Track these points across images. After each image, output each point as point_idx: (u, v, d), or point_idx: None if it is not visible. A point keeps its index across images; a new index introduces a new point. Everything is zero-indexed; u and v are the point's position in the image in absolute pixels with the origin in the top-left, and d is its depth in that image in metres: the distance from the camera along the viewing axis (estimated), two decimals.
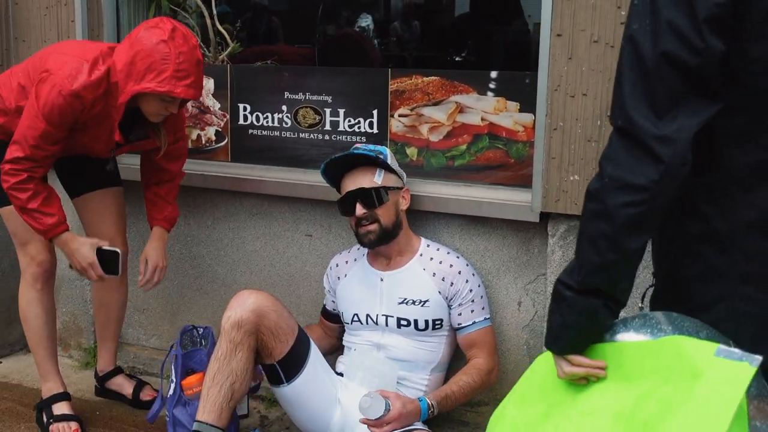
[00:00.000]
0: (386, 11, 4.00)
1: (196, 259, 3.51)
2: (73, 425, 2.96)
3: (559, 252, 2.73)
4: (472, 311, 2.77)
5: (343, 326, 2.99)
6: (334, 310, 3.02)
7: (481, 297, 2.80)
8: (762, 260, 1.38)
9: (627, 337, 1.52)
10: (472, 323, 2.77)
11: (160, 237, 3.06)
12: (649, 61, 1.33)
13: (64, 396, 3.04)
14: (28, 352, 3.70)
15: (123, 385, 3.28)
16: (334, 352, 2.99)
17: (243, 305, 2.58)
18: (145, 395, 3.24)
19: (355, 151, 2.77)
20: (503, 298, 2.95)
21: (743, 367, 1.33)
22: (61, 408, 3.00)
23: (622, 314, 1.55)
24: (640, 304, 1.65)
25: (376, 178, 2.73)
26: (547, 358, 1.69)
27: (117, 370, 3.31)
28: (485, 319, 2.79)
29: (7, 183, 2.68)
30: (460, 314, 2.77)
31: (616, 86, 1.40)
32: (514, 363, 2.98)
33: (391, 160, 2.82)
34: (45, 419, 3.00)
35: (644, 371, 1.47)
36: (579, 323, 1.51)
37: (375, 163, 2.75)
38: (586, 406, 1.55)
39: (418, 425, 2.63)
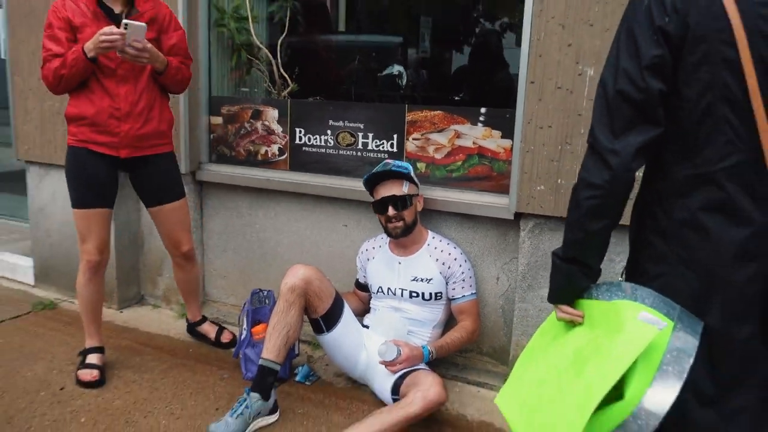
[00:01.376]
0: (404, 62, 4.00)
1: (263, 242, 3.51)
2: (95, 372, 2.78)
3: (528, 242, 2.71)
4: (463, 287, 2.75)
5: (370, 295, 2.99)
6: (364, 282, 3.02)
7: (470, 277, 2.78)
8: (691, 249, 1.38)
9: (594, 296, 1.54)
10: (462, 296, 2.76)
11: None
12: (610, 96, 1.36)
13: (98, 349, 2.90)
14: (142, 305, 3.78)
15: (208, 330, 3.25)
16: (364, 314, 2.98)
17: (296, 275, 2.59)
18: (225, 338, 3.22)
19: (391, 168, 2.73)
20: (485, 274, 2.94)
21: (650, 329, 1.36)
22: (92, 358, 2.85)
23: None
24: (620, 278, 1.66)
25: (404, 188, 2.72)
26: None
27: (203, 319, 3.29)
28: (472, 294, 2.77)
29: (46, 79, 2.55)
30: (454, 289, 2.76)
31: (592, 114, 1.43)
32: (493, 321, 2.97)
33: (412, 173, 2.81)
34: (79, 364, 2.87)
35: (599, 323, 1.49)
36: (562, 282, 1.54)
37: (403, 176, 2.73)
38: (564, 341, 1.58)
39: (422, 366, 2.63)
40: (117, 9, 2.62)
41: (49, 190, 3.76)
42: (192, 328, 3.29)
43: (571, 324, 1.59)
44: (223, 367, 2.99)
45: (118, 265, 3.62)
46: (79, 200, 2.69)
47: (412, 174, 2.78)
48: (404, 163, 2.83)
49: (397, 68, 3.86)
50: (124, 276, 3.69)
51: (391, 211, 2.71)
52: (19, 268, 3.99)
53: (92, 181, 2.68)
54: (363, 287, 3.04)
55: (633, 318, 1.39)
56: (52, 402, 2.62)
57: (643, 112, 1.34)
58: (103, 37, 2.41)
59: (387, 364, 2.51)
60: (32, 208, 3.86)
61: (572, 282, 1.53)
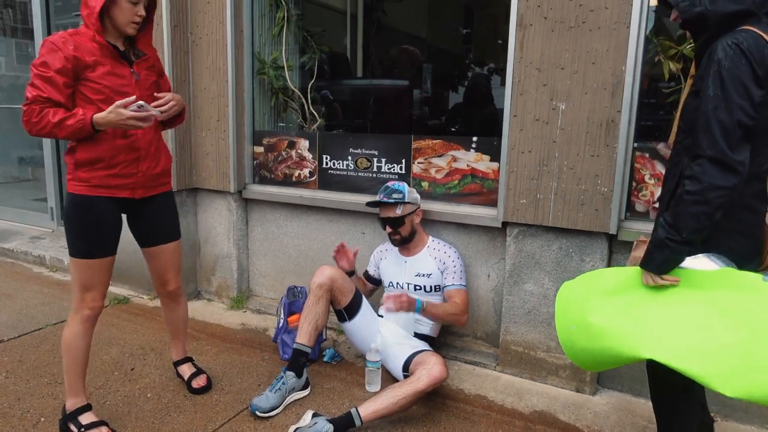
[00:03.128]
0: (410, 99, 3.99)
1: (296, 247, 3.51)
2: (104, 429, 2.15)
3: (513, 245, 2.68)
4: (453, 277, 2.69)
5: (374, 287, 2.95)
6: (373, 275, 2.96)
7: (461, 271, 2.72)
8: (744, 222, 1.58)
9: (690, 265, 1.59)
10: (452, 284, 2.69)
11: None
12: (728, 124, 1.45)
13: (87, 407, 2.19)
14: (198, 299, 3.77)
15: (185, 371, 2.58)
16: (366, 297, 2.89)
17: (323, 274, 2.58)
18: (196, 383, 2.51)
19: (383, 200, 2.67)
20: (478, 272, 2.91)
21: None
22: (88, 417, 2.16)
23: None
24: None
25: (398, 210, 2.68)
26: (599, 274, 1.73)
27: (186, 360, 2.61)
28: (460, 284, 2.69)
29: (27, 122, 1.90)
30: (445, 278, 2.71)
31: (704, 136, 1.48)
32: (485, 312, 2.93)
33: (407, 195, 2.71)
34: (75, 429, 2.14)
35: (708, 285, 1.54)
36: (674, 258, 1.56)
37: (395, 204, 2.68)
38: (671, 298, 1.58)
39: (427, 348, 2.60)
40: (121, 47, 2.07)
41: None
42: (175, 366, 2.62)
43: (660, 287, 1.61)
44: (264, 351, 2.97)
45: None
46: (87, 251, 2.05)
47: (406, 199, 2.69)
48: (400, 187, 2.73)
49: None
50: (185, 275, 3.68)
51: (388, 229, 2.69)
52: None
53: (103, 230, 2.06)
54: (369, 278, 2.98)
55: (759, 279, 1.47)
56: (124, 380, 2.62)
57: (749, 134, 1.46)
58: (133, 122, 1.91)
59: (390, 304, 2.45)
60: None
61: (680, 258, 1.57)
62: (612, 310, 1.63)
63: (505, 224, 2.71)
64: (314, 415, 2.25)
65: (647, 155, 2.43)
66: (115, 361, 2.80)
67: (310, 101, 3.48)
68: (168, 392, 2.51)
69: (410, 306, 2.48)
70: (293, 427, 2.19)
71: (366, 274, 3.05)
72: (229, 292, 3.68)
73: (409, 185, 2.93)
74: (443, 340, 3.04)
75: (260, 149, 3.54)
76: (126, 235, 2.23)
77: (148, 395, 2.49)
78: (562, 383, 2.64)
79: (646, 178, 2.45)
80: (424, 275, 2.73)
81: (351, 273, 2.86)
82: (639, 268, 1.64)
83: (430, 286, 2.73)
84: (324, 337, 3.01)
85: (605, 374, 2.66)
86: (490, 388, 2.64)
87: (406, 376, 2.47)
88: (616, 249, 2.53)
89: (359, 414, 2.19)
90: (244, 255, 3.68)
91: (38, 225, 5.10)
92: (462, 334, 3.01)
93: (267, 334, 3.19)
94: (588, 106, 2.40)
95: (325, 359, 2.87)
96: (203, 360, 2.83)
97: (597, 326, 1.61)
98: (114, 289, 3.87)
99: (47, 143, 4.88)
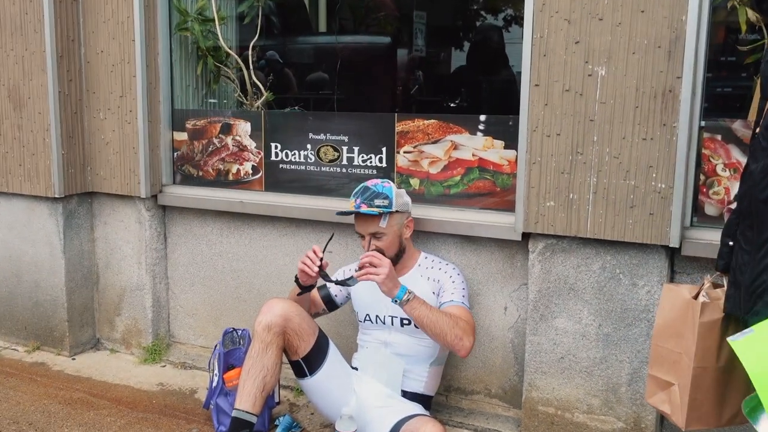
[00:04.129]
0: (393, 63, 4.03)
1: (236, 272, 3.52)
2: None
3: (538, 265, 2.72)
4: (452, 293, 2.68)
5: (324, 311, 2.95)
6: (335, 297, 2.93)
7: (463, 288, 2.72)
8: None
9: None
10: (450, 301, 2.67)
11: None
12: None
13: None
14: (98, 350, 3.77)
15: None
16: (312, 314, 2.87)
17: (272, 311, 2.60)
18: None
19: (362, 211, 2.64)
20: (491, 303, 2.94)
21: None
22: None
23: None
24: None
25: (382, 223, 2.65)
26: None
27: None
28: (461, 301, 2.67)
29: None
30: (442, 297, 2.70)
31: None
32: (502, 358, 2.97)
33: (395, 201, 2.69)
34: None
35: None
36: None
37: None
38: None
39: (421, 412, 2.62)
40: None
41: None
42: None
43: None
44: (192, 421, 2.98)
45: (69, 305, 3.62)
46: None
47: (393, 207, 2.67)
48: (385, 190, 2.70)
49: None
50: (77, 317, 3.68)
51: (367, 248, 2.66)
52: None
53: None
54: (328, 301, 2.93)
55: None
56: None
57: None
58: None
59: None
60: None
61: None
62: None
63: (526, 236, 2.75)
64: None
65: (719, 137, 2.48)
66: None
67: (251, 68, 3.50)
68: None
69: (387, 282, 2.45)
70: None
71: (324, 289, 2.94)
72: (141, 339, 3.68)
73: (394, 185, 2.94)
74: (443, 399, 3.06)
75: (183, 136, 3.55)
76: None
77: None
78: None
79: (719, 169, 2.50)
80: None
81: (310, 288, 2.79)
82: None
83: None
84: (276, 400, 3.02)
85: None
86: None
87: None
88: (679, 268, 2.58)
89: None
90: (162, 286, 3.68)
91: None
92: (470, 390, 3.03)
93: (196, 397, 3.20)
94: (636, 70, 2.45)
95: (277, 431, 2.88)
96: None
97: None
98: None
99: None
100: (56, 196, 3.49)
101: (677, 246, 2.48)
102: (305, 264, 2.60)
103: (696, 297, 1.99)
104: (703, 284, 2.02)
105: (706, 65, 2.44)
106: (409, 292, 2.51)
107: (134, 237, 3.60)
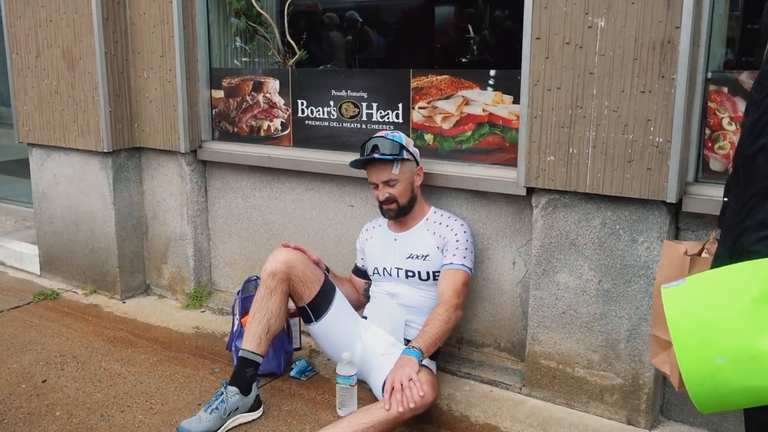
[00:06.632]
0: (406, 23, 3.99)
1: (268, 225, 3.66)
2: None
3: (541, 221, 2.71)
4: (454, 254, 2.75)
5: (368, 282, 3.07)
6: (362, 267, 3.10)
7: (466, 248, 2.77)
8: None
9: None
10: (449, 263, 2.74)
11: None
12: None
13: None
14: (148, 295, 4.03)
15: None
16: (361, 307, 3.04)
17: (276, 259, 2.72)
18: None
19: (375, 156, 2.74)
20: (501, 258, 2.96)
21: None
22: None
23: None
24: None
25: (394, 170, 2.76)
26: None
27: None
28: (461, 264, 2.74)
29: None
30: (444, 256, 2.77)
31: None
32: (510, 313, 2.99)
33: (406, 145, 2.82)
34: None
35: None
36: None
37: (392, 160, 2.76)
38: None
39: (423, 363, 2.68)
40: None
41: (50, 174, 4.07)
42: None
43: None
44: (216, 361, 3.16)
45: (119, 253, 3.87)
46: None
47: (405, 152, 2.77)
48: (397, 138, 2.81)
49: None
50: (127, 264, 3.94)
51: (381, 197, 2.78)
52: (25, 256, 4.35)
53: None
54: (361, 273, 3.12)
55: None
56: (31, 394, 2.87)
57: None
58: None
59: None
60: (36, 193, 4.18)
61: None
62: None
63: (530, 191, 2.74)
64: None
65: (725, 90, 2.38)
66: (25, 371, 3.07)
67: (287, 27, 3.57)
68: (81, 410, 2.74)
69: (411, 367, 2.43)
70: None
71: (355, 268, 3.16)
72: (185, 286, 3.90)
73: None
74: (455, 350, 3.12)
75: (220, 94, 3.69)
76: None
77: (57, 413, 2.72)
78: (608, 411, 2.67)
79: (725, 123, 2.40)
80: (418, 257, 2.82)
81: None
82: None
83: (427, 273, 2.81)
84: (298, 345, 3.15)
85: (671, 401, 2.66)
86: (506, 416, 2.71)
87: None
88: (684, 225, 2.51)
89: None
90: (204, 237, 3.88)
91: None
92: (481, 343, 3.08)
93: (225, 340, 3.38)
94: (635, 21, 2.37)
95: (292, 374, 3.02)
96: (134, 372, 3.04)
97: None
98: (42, 282, 4.18)
99: None
100: (105, 150, 3.72)
101: (674, 201, 2.41)
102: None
103: (700, 254, 1.94)
104: (708, 240, 1.97)
105: (710, 13, 2.34)
106: (418, 350, 2.50)
107: (177, 190, 3.80)
